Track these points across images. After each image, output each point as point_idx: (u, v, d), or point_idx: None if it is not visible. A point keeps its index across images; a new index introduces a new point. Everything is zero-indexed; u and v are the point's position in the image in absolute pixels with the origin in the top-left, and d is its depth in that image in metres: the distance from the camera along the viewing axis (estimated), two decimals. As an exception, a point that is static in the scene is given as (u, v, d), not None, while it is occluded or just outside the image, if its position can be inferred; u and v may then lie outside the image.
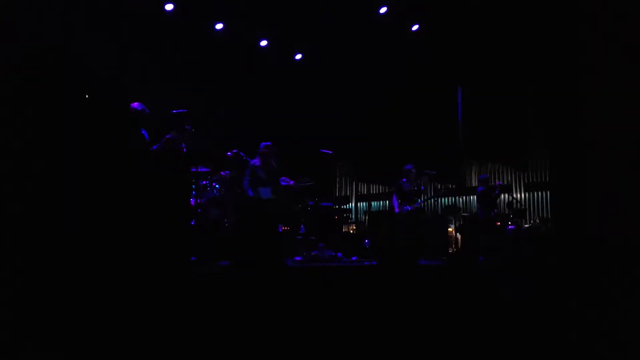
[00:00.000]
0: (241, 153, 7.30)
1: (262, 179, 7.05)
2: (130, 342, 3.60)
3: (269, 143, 7.20)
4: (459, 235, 9.19)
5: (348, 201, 13.05)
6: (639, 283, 3.66)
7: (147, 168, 5.08)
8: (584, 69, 4.30)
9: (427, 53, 10.47)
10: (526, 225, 9.68)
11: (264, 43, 9.75)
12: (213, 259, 5.93)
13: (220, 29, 9.09)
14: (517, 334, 4.07)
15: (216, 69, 9.45)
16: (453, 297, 4.93)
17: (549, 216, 10.11)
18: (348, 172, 12.96)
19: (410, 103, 11.18)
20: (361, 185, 13.14)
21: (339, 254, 7.17)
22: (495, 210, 9.17)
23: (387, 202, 11.85)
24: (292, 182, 7.67)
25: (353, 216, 10.90)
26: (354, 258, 7.35)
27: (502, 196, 10.42)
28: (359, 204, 12.97)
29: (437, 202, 11.69)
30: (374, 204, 12.73)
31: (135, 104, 5.58)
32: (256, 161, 7.16)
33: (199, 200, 6.66)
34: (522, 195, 11.20)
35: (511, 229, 8.87)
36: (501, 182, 10.50)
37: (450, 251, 8.78)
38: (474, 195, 10.55)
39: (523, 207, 10.51)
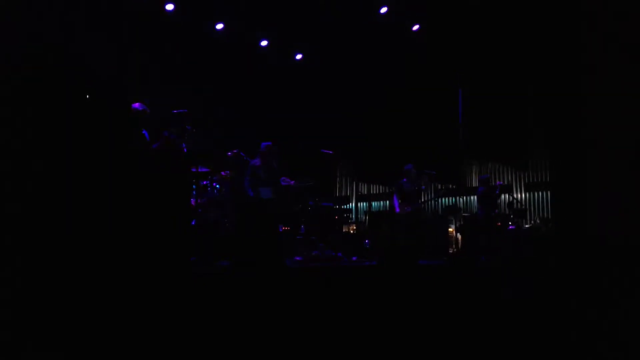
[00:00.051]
0: (241, 153, 7.29)
1: (263, 179, 7.05)
2: (130, 342, 3.60)
3: (269, 143, 7.20)
4: (459, 236, 9.19)
5: (348, 201, 13.05)
6: (639, 283, 3.66)
7: (148, 168, 5.08)
8: (584, 69, 4.30)
9: (427, 53, 10.47)
10: (527, 226, 9.68)
11: (264, 43, 9.75)
12: (213, 259, 5.94)
13: (221, 29, 9.09)
14: (517, 334, 4.07)
15: (216, 69, 9.45)
16: (453, 297, 4.93)
17: (550, 216, 10.11)
18: (348, 172, 12.97)
19: (410, 103, 11.18)
20: (361, 185, 13.14)
21: (339, 254, 7.17)
22: (496, 211, 9.16)
23: (388, 202, 11.85)
24: (292, 182, 7.67)
25: (353, 216, 10.90)
26: (354, 258, 7.36)
27: (503, 196, 10.42)
28: (359, 204, 12.97)
29: (438, 202, 11.70)
30: (374, 204, 12.74)
31: (136, 104, 5.58)
32: (256, 161, 7.15)
33: (199, 200, 6.66)
34: (523, 195, 11.21)
35: (512, 229, 8.87)
36: (501, 182, 10.50)
37: (450, 251, 8.78)
38: (475, 195, 10.55)
39: (523, 207, 10.51)
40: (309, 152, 8.92)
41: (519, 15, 8.77)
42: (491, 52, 10.32)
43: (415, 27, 9.96)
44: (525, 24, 8.68)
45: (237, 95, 9.77)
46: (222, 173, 7.38)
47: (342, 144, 10.40)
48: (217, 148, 7.73)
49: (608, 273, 3.79)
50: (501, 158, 11.39)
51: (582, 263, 4.09)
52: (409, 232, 7.88)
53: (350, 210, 10.89)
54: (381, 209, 12.37)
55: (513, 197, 10.43)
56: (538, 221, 10.24)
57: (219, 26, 9.07)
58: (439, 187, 11.65)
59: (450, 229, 9.22)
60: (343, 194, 13.32)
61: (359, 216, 12.15)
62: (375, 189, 13.01)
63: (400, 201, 8.18)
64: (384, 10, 9.36)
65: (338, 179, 13.19)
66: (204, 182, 7.18)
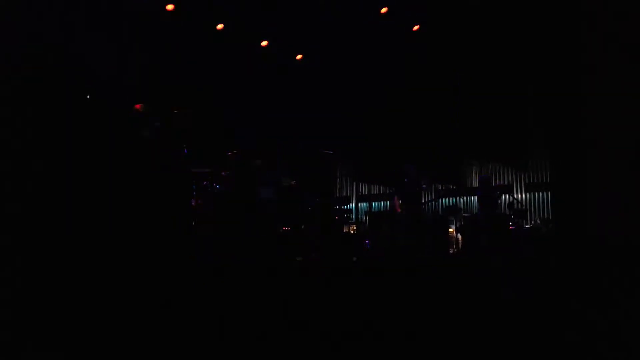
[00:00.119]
0: (241, 153, 7.29)
1: (263, 178, 7.05)
2: (130, 342, 3.60)
3: (270, 143, 7.20)
4: (459, 236, 9.19)
5: (349, 201, 13.05)
6: (639, 283, 3.66)
7: (148, 168, 5.08)
8: (584, 69, 4.30)
9: (427, 53, 10.47)
10: (527, 226, 9.68)
11: (264, 43, 9.75)
12: (213, 259, 5.93)
13: (221, 29, 9.09)
14: (517, 334, 4.07)
15: (216, 69, 9.44)
16: (453, 297, 4.93)
17: (550, 216, 10.11)
18: (348, 173, 12.96)
19: (410, 103, 11.18)
20: (362, 185, 13.13)
21: (340, 254, 7.17)
22: (497, 211, 9.16)
23: (388, 202, 11.85)
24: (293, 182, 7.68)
25: (354, 216, 10.90)
26: (354, 258, 7.35)
27: (503, 197, 10.42)
28: (359, 205, 12.97)
29: (438, 203, 11.69)
30: (374, 204, 12.73)
31: (137, 105, 5.58)
32: (257, 161, 7.16)
33: (199, 201, 6.66)
34: (523, 195, 11.21)
35: (512, 229, 8.87)
36: (502, 183, 10.50)
37: (450, 251, 8.78)
38: (475, 195, 10.55)
39: (524, 207, 10.51)
40: (309, 152, 8.92)
41: (519, 15, 8.77)
42: (491, 52, 10.31)
43: (415, 27, 9.95)
44: (525, 24, 8.68)
45: (237, 95, 9.77)
46: (222, 173, 7.38)
47: (342, 144, 10.41)
48: (217, 148, 7.73)
49: (608, 273, 3.79)
50: (501, 158, 11.38)
51: (582, 263, 4.10)
52: (409, 233, 7.88)
53: (350, 210, 10.89)
54: (381, 209, 12.37)
55: (513, 198, 10.43)
56: (538, 221, 10.24)
57: (220, 26, 9.07)
58: (440, 187, 11.65)
59: (450, 230, 9.21)
60: (343, 194, 13.32)
61: (360, 216, 12.15)
62: (375, 189, 13.01)
63: (400, 201, 8.18)
64: (384, 10, 9.36)
65: (338, 179, 13.19)
66: (205, 183, 7.18)
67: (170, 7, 8.37)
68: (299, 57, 10.39)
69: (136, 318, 3.78)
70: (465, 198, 11.70)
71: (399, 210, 8.18)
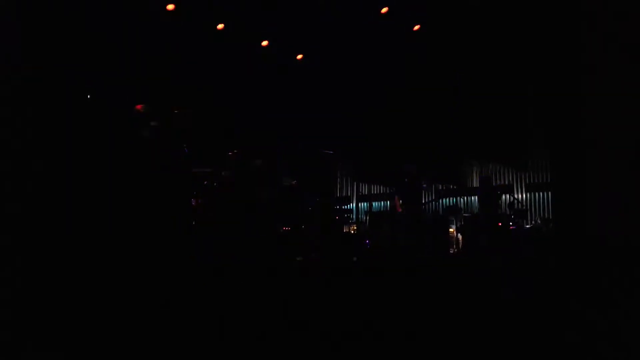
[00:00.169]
0: (242, 153, 7.29)
1: (263, 179, 7.05)
2: (130, 342, 3.60)
3: (270, 143, 7.21)
4: (460, 236, 9.18)
5: (349, 201, 13.05)
6: (639, 283, 3.66)
7: (148, 168, 5.09)
8: (584, 69, 4.30)
9: (427, 53, 10.46)
10: (527, 226, 9.68)
11: (264, 43, 9.75)
12: (213, 259, 5.93)
13: (221, 29, 9.09)
14: (517, 334, 4.07)
15: (216, 69, 9.45)
16: (453, 297, 4.93)
17: (550, 216, 10.11)
18: (348, 172, 12.96)
19: (410, 103, 11.17)
20: (362, 185, 13.13)
21: (340, 254, 7.17)
22: (497, 211, 9.16)
23: (388, 202, 11.85)
24: (294, 182, 7.68)
25: (354, 216, 10.89)
26: (354, 258, 7.35)
27: (504, 197, 10.42)
28: (359, 204, 12.97)
29: (438, 203, 11.69)
30: (375, 204, 12.73)
31: (138, 105, 5.58)
32: (257, 161, 7.16)
33: (199, 201, 6.66)
34: (523, 195, 11.21)
35: (512, 229, 8.87)
36: (502, 183, 10.51)
37: (450, 251, 8.78)
38: (475, 195, 10.55)
39: (524, 207, 10.50)
40: (309, 152, 8.92)
41: (519, 15, 8.77)
42: (491, 52, 10.31)
43: (416, 27, 9.95)
44: (525, 24, 8.68)
45: (237, 95, 9.77)
46: (222, 173, 7.38)
47: (342, 144, 10.40)
48: (217, 148, 7.73)
49: (608, 273, 3.79)
50: (501, 158, 11.39)
51: (582, 263, 4.10)
52: (409, 232, 7.88)
53: (350, 210, 10.89)
54: (382, 209, 12.37)
55: (514, 198, 10.43)
56: (539, 221, 10.24)
57: (220, 26, 9.07)
58: (440, 187, 11.65)
59: (450, 230, 9.21)
60: (343, 194, 13.32)
61: (360, 216, 12.15)
62: (375, 189, 13.01)
63: (401, 201, 8.18)
64: (384, 10, 9.35)
65: (338, 179, 13.19)
66: (205, 182, 7.18)
67: (170, 7, 8.38)
68: (299, 57, 10.39)
69: (136, 318, 3.78)
70: (465, 198, 11.70)
71: (400, 210, 8.17)
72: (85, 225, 4.10)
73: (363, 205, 12.95)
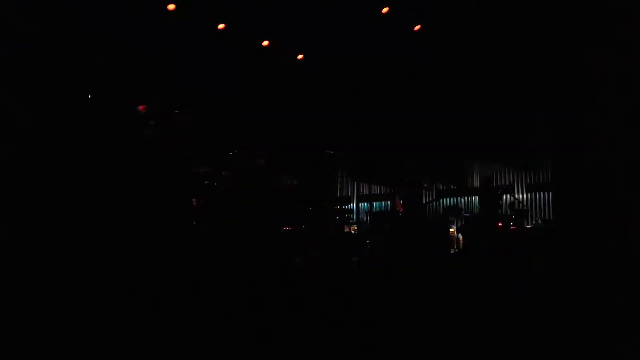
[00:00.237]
0: (241, 153, 7.30)
1: (264, 179, 7.05)
2: (130, 342, 3.60)
3: (270, 143, 7.21)
4: (460, 236, 9.18)
5: (349, 202, 13.05)
6: (639, 284, 3.66)
7: (148, 168, 5.09)
8: (584, 69, 4.30)
9: (427, 53, 10.46)
10: (528, 226, 9.67)
11: (265, 43, 9.75)
12: (213, 259, 5.93)
13: (222, 29, 9.09)
14: (517, 334, 4.07)
15: (217, 69, 9.45)
16: (453, 297, 4.93)
17: (551, 217, 10.10)
18: (349, 172, 12.96)
19: (411, 103, 11.17)
20: (362, 185, 13.13)
21: (340, 254, 7.17)
22: (498, 211, 9.15)
23: (389, 202, 11.85)
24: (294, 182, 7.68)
25: (354, 217, 10.89)
26: (354, 258, 7.35)
27: (504, 197, 10.42)
28: (360, 205, 12.97)
29: (439, 203, 11.69)
30: (375, 204, 12.73)
31: (139, 105, 5.59)
32: (257, 161, 7.16)
33: (199, 201, 6.67)
34: (524, 195, 11.20)
35: (513, 229, 8.86)
36: (503, 183, 10.50)
37: (451, 252, 8.78)
38: (475, 195, 10.54)
39: (525, 207, 10.50)
40: (309, 152, 8.92)
41: (520, 15, 8.77)
42: (491, 52, 10.30)
43: (416, 27, 9.94)
44: (525, 24, 8.67)
45: (237, 95, 9.77)
46: (222, 173, 7.38)
47: (342, 144, 10.40)
48: (217, 148, 7.73)
49: (608, 273, 3.79)
50: (502, 158, 11.38)
51: (582, 263, 4.09)
52: (410, 233, 7.88)
53: (351, 210, 10.89)
54: (382, 209, 12.37)
55: (514, 198, 10.43)
56: (539, 222, 10.23)
57: (220, 26, 9.07)
58: (440, 187, 11.65)
59: (451, 230, 9.21)
60: (344, 194, 13.32)
61: (360, 216, 12.15)
62: (376, 190, 13.01)
63: (401, 201, 8.18)
64: (385, 10, 9.35)
65: (339, 179, 13.19)
66: (205, 182, 7.18)
67: (171, 7, 8.38)
68: (299, 57, 10.39)
69: (136, 318, 3.78)
70: (466, 198, 11.69)
71: (400, 210, 8.17)
72: (85, 224, 4.10)
73: (364, 205, 12.95)
